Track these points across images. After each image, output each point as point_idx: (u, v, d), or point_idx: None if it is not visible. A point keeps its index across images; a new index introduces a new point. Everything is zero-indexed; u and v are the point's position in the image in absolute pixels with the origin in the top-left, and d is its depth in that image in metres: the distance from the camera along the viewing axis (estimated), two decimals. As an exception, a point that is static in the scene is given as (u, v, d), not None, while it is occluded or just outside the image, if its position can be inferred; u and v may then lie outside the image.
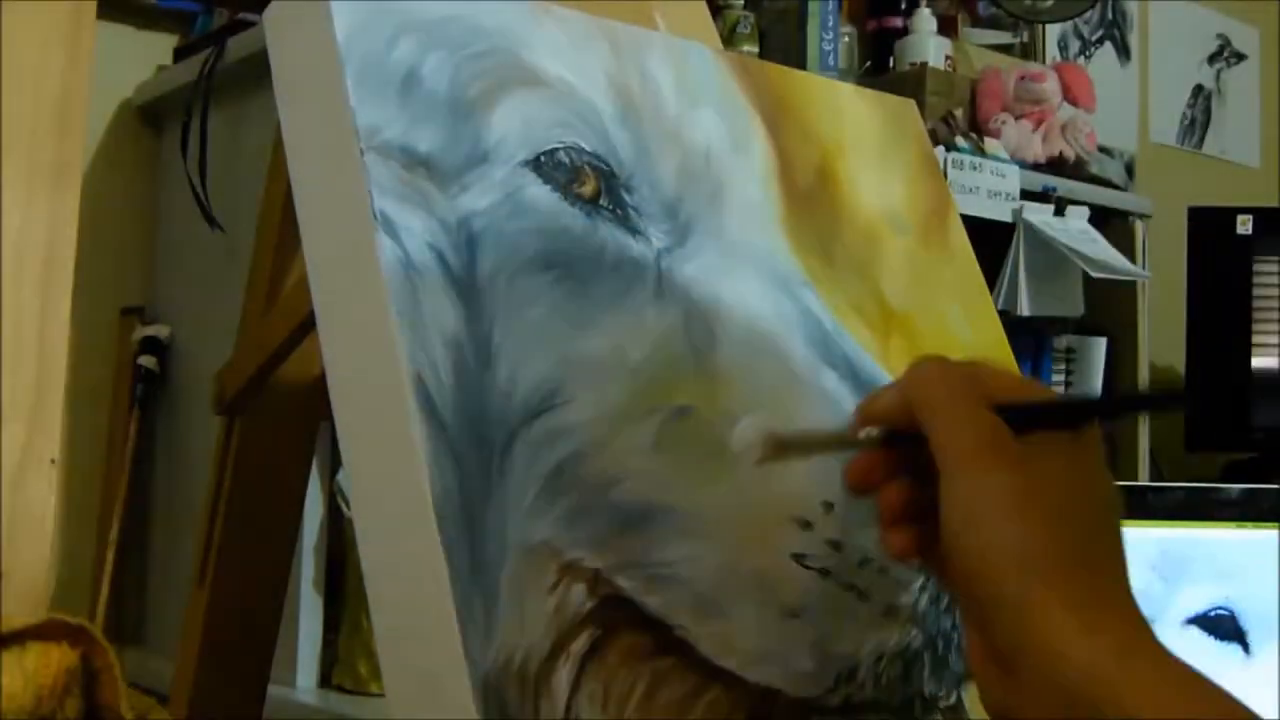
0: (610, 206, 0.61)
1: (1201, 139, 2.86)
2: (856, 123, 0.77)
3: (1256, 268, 2.21)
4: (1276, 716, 0.81)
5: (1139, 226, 1.99)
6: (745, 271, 0.65)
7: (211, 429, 0.99)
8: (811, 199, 0.71)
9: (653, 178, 0.64)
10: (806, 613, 0.56)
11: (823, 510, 0.59)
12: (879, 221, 0.74)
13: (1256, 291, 2.21)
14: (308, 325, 0.86)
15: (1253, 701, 0.43)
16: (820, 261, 0.69)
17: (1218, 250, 2.20)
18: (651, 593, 0.53)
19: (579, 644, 0.50)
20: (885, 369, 0.67)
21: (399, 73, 0.57)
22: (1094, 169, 2.07)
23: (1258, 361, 2.21)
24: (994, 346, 0.76)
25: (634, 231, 0.62)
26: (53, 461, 0.55)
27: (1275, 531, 0.95)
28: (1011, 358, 0.76)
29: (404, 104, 0.56)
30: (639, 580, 0.53)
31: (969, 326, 0.75)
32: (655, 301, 0.60)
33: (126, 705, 0.50)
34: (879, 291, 0.71)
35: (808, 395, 0.63)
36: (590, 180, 0.61)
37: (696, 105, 0.68)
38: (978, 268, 0.79)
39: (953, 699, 0.61)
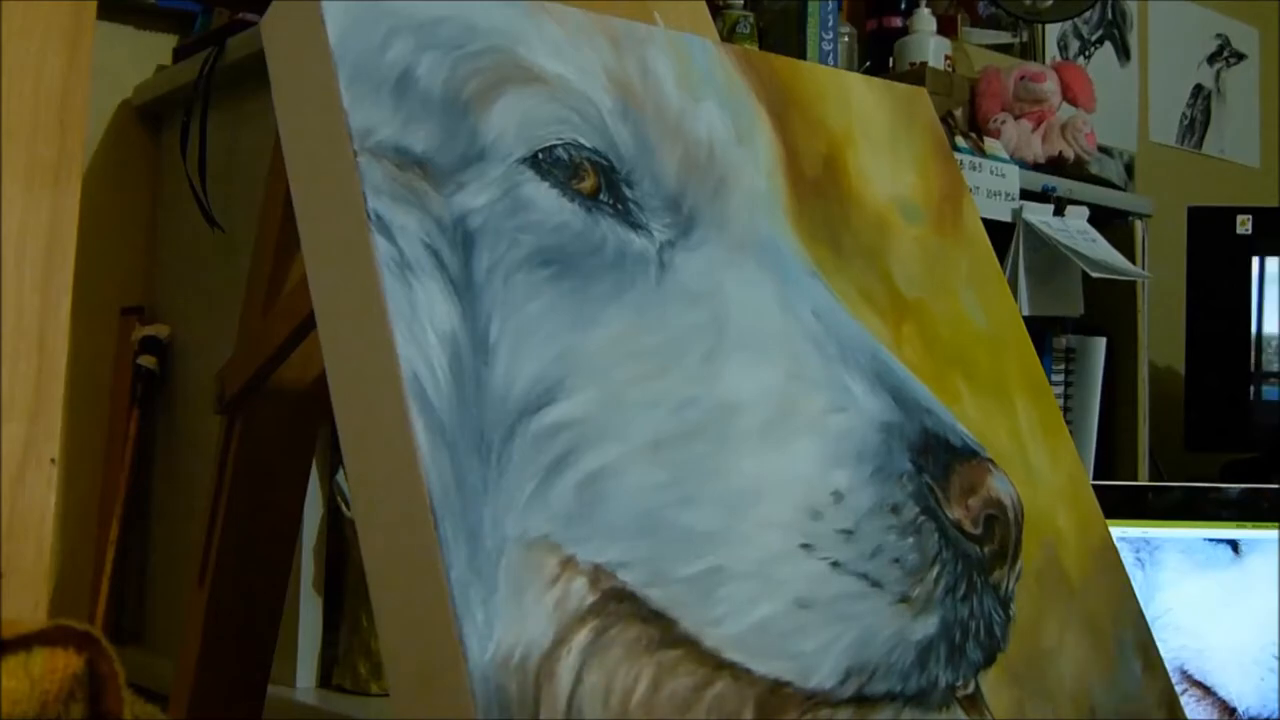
0: (610, 201, 0.61)
1: (1201, 139, 2.86)
2: (865, 112, 0.77)
3: (1256, 268, 2.21)
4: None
5: (1139, 226, 1.99)
6: (750, 262, 0.65)
7: (211, 429, 0.99)
8: (819, 189, 0.71)
9: (655, 171, 0.64)
10: (817, 603, 0.56)
11: (832, 500, 0.59)
12: (889, 209, 0.74)
13: (1256, 292, 2.21)
14: (308, 325, 0.86)
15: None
16: (828, 250, 0.69)
17: (1218, 250, 2.20)
18: (655, 585, 0.53)
19: (581, 637, 0.50)
20: (897, 356, 0.67)
21: (393, 74, 0.57)
22: (1094, 169, 2.07)
23: (1257, 362, 2.21)
24: (1010, 332, 0.76)
25: (635, 226, 0.62)
26: (53, 461, 0.55)
27: (1275, 531, 0.95)
28: (1028, 341, 0.76)
29: (398, 105, 0.56)
30: (643, 573, 0.53)
31: (983, 312, 0.75)
32: (657, 295, 0.60)
33: (130, 713, 0.50)
34: (889, 279, 0.71)
35: (814, 385, 0.63)
36: (589, 176, 0.61)
37: (699, 98, 0.68)
38: (993, 253, 0.79)
39: (970, 688, 0.61)
